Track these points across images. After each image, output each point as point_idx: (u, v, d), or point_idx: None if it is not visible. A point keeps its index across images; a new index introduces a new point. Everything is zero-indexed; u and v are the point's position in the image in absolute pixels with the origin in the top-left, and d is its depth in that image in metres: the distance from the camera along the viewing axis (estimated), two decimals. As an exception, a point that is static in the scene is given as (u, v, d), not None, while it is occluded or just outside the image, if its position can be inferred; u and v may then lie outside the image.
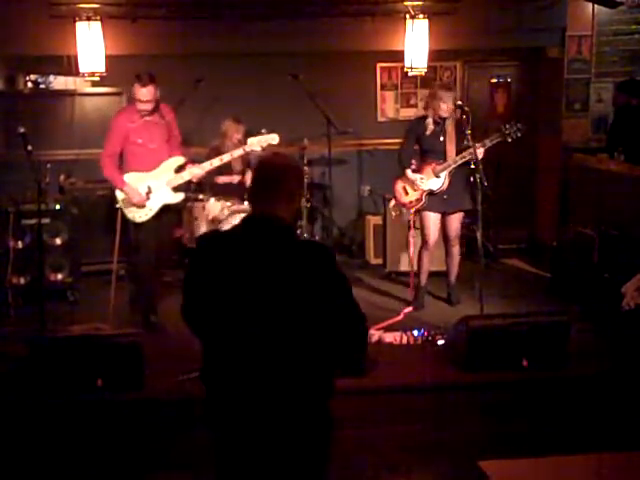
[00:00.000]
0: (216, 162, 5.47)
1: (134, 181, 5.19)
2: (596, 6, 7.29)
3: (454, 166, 5.56)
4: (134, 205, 5.18)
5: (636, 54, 7.41)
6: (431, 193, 5.67)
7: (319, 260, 2.33)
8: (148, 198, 5.22)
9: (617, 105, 6.94)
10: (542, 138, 7.77)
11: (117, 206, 5.26)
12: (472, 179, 5.35)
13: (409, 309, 5.82)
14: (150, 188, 5.20)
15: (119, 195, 5.19)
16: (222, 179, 6.56)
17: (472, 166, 5.35)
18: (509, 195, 7.41)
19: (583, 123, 7.59)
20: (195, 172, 5.33)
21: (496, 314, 5.01)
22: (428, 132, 5.64)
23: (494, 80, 7.90)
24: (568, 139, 7.52)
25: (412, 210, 5.80)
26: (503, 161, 6.84)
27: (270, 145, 5.61)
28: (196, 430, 3.88)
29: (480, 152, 5.32)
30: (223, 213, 6.08)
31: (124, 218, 5.29)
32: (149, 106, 5.12)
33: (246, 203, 6.19)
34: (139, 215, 5.20)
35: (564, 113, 7.55)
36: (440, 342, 5.01)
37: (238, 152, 5.57)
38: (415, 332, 5.12)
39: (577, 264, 5.96)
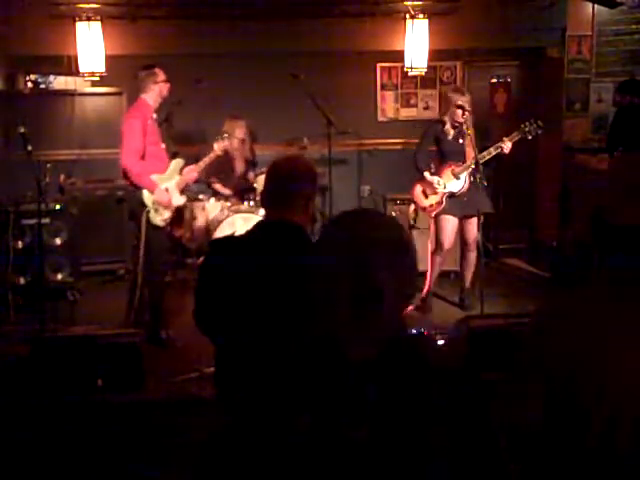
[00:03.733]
0: (202, 164, 5.37)
1: (158, 183, 5.06)
2: (596, 6, 7.29)
3: (474, 166, 5.51)
4: (162, 207, 5.03)
5: (636, 54, 7.41)
6: (451, 196, 5.58)
7: None
8: None
9: (619, 105, 6.93)
10: (542, 138, 7.75)
11: (146, 208, 5.01)
12: (472, 179, 5.35)
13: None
14: (167, 190, 5.09)
15: (148, 197, 4.99)
16: (216, 186, 6.55)
17: (472, 166, 5.35)
18: (509, 195, 7.40)
19: (583, 123, 7.58)
20: (191, 175, 5.28)
21: (496, 314, 5.01)
22: (450, 137, 5.58)
23: (494, 80, 7.90)
24: (568, 139, 7.51)
25: (432, 214, 5.68)
26: (503, 161, 6.83)
27: (226, 146, 5.55)
28: (196, 430, 3.90)
29: (508, 147, 5.39)
30: (223, 213, 6.08)
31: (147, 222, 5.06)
32: (169, 84, 5.06)
33: (246, 203, 6.20)
34: (164, 218, 5.08)
35: (564, 113, 7.55)
36: (440, 342, 5.00)
37: (212, 155, 5.42)
38: (415, 332, 5.11)
39: (577, 264, 5.96)
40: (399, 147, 7.16)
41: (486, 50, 7.56)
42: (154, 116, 5.08)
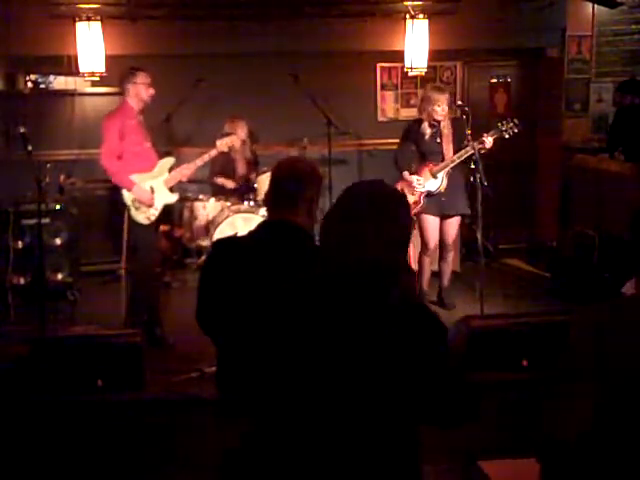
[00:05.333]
0: (200, 161, 5.36)
1: (139, 182, 5.08)
2: (596, 6, 7.29)
3: (452, 165, 5.51)
4: (144, 205, 5.06)
5: (636, 54, 7.41)
6: (429, 195, 5.59)
7: None
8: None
9: (622, 105, 6.92)
10: (542, 138, 7.77)
11: (127, 207, 5.06)
12: (472, 179, 5.34)
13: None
14: (153, 188, 5.12)
15: (127, 196, 5.04)
16: (220, 180, 6.57)
17: (472, 166, 5.34)
18: (509, 195, 7.40)
19: (583, 123, 7.59)
20: (185, 172, 5.29)
21: (496, 314, 5.01)
22: (427, 137, 5.56)
23: (494, 80, 7.90)
24: (568, 139, 7.51)
25: (412, 214, 5.67)
26: (503, 161, 6.84)
27: (229, 144, 5.50)
28: (196, 430, 3.91)
29: (489, 142, 5.31)
30: (223, 213, 6.08)
31: (130, 220, 5.11)
32: (152, 90, 5.09)
33: (246, 203, 6.20)
34: (147, 216, 5.08)
35: (564, 113, 7.55)
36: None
37: (213, 152, 5.40)
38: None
39: (577, 264, 5.96)
40: (395, 150, 7.15)
41: (486, 50, 7.56)
42: (139, 117, 5.10)
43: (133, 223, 5.09)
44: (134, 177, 5.06)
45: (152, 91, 5.08)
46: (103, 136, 5.01)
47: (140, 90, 5.03)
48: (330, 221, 1.80)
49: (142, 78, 5.03)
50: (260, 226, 2.41)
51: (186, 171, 5.30)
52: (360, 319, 1.70)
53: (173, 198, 5.29)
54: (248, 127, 6.65)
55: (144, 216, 5.07)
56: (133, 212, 5.06)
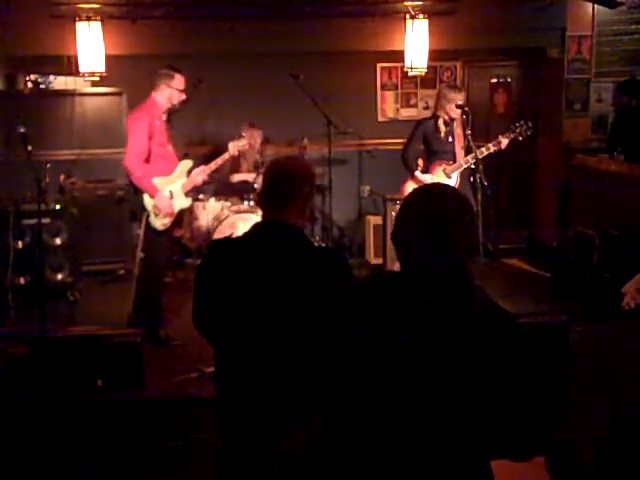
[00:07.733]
0: (214, 165, 5.27)
1: (160, 186, 4.91)
2: (596, 6, 7.30)
3: (465, 166, 5.49)
4: (163, 213, 4.91)
5: (636, 54, 7.41)
6: None
7: (333, 267, 2.32)
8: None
9: (618, 105, 6.93)
10: (542, 138, 7.77)
11: (146, 212, 4.91)
12: (472, 179, 5.35)
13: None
14: (172, 193, 4.97)
15: (148, 202, 4.89)
16: (236, 177, 6.58)
17: (472, 166, 5.35)
18: (509, 195, 7.41)
19: (583, 123, 7.59)
20: (197, 179, 5.15)
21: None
22: (442, 134, 5.55)
23: (494, 80, 7.90)
24: (568, 139, 7.52)
25: None
26: (503, 161, 6.83)
27: (241, 147, 5.48)
28: (196, 430, 3.91)
29: (505, 143, 5.37)
30: (223, 213, 6.09)
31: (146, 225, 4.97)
32: (184, 96, 4.97)
33: (246, 202, 6.20)
34: (164, 223, 4.96)
35: (564, 113, 7.55)
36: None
37: (226, 155, 5.34)
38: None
39: (577, 264, 5.96)
40: (399, 147, 7.15)
41: (486, 50, 7.56)
42: (163, 117, 4.96)
43: (149, 229, 4.95)
44: (156, 181, 4.91)
45: (184, 97, 4.94)
46: (129, 136, 4.85)
47: (173, 95, 4.90)
48: (409, 223, 1.78)
49: (178, 83, 4.89)
50: (255, 226, 2.40)
51: (200, 177, 5.14)
52: (445, 326, 1.68)
53: (187, 203, 5.17)
54: (260, 131, 6.62)
55: (161, 223, 4.95)
56: (152, 218, 4.92)
